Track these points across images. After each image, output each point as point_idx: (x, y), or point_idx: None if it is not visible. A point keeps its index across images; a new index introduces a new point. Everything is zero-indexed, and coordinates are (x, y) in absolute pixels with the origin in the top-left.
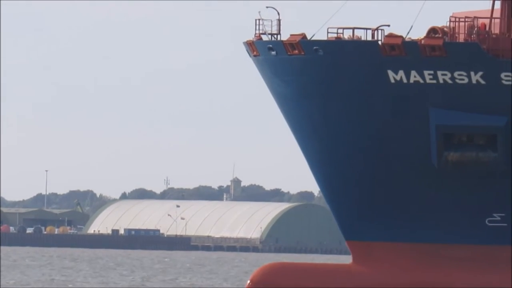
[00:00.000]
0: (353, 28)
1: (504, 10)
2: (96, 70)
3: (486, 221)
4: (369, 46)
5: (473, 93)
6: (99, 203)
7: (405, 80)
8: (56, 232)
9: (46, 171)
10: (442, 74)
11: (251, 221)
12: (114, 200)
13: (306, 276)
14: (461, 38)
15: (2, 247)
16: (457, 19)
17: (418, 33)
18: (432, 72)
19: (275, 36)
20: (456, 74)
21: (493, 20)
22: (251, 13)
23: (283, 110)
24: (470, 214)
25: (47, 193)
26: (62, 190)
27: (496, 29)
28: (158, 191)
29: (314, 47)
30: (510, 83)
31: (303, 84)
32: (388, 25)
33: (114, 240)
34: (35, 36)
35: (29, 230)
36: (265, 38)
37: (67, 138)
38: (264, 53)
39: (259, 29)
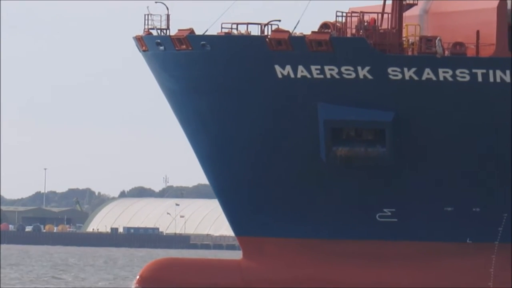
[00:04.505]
0: (247, 24)
1: (395, 5)
2: (94, 69)
3: (377, 216)
4: (256, 41)
5: (360, 88)
6: (98, 201)
7: (292, 75)
8: (55, 231)
9: (45, 169)
10: (329, 69)
11: None
12: (113, 199)
13: (196, 272)
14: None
15: (2, 245)
16: (347, 14)
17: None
18: (319, 67)
19: (164, 31)
20: (343, 69)
21: (385, 15)
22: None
23: (172, 105)
24: (361, 209)
25: (46, 192)
26: (61, 188)
27: (388, 25)
28: (157, 189)
29: (202, 42)
30: (397, 78)
31: (191, 79)
32: (279, 20)
33: (113, 239)
34: (32, 34)
35: (28, 229)
36: (155, 33)
37: (66, 137)
38: (153, 48)
39: (148, 24)
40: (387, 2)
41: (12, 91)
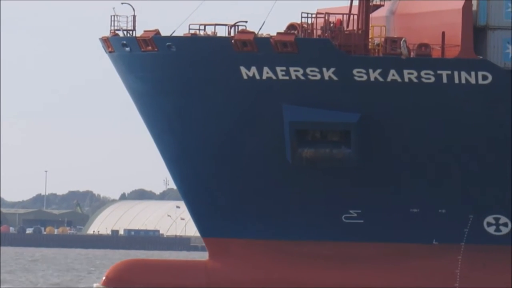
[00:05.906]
0: (215, 25)
1: (362, 6)
2: (95, 70)
3: (343, 218)
4: (221, 42)
5: (325, 90)
6: (99, 203)
7: (257, 77)
8: (55, 233)
9: (46, 171)
10: (295, 71)
11: None
12: (114, 201)
13: (162, 273)
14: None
15: (2, 247)
16: (313, 15)
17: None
18: (284, 68)
19: (130, 32)
20: (308, 70)
21: (352, 17)
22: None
23: (138, 107)
24: (326, 210)
25: (47, 194)
26: (61, 190)
27: (354, 26)
28: (157, 191)
29: (167, 43)
30: (362, 79)
31: (157, 80)
32: (246, 21)
33: (113, 241)
34: (32, 35)
35: (29, 231)
36: (121, 34)
37: (67, 139)
38: (119, 50)
39: (114, 26)
40: (354, 3)
41: (13, 93)
